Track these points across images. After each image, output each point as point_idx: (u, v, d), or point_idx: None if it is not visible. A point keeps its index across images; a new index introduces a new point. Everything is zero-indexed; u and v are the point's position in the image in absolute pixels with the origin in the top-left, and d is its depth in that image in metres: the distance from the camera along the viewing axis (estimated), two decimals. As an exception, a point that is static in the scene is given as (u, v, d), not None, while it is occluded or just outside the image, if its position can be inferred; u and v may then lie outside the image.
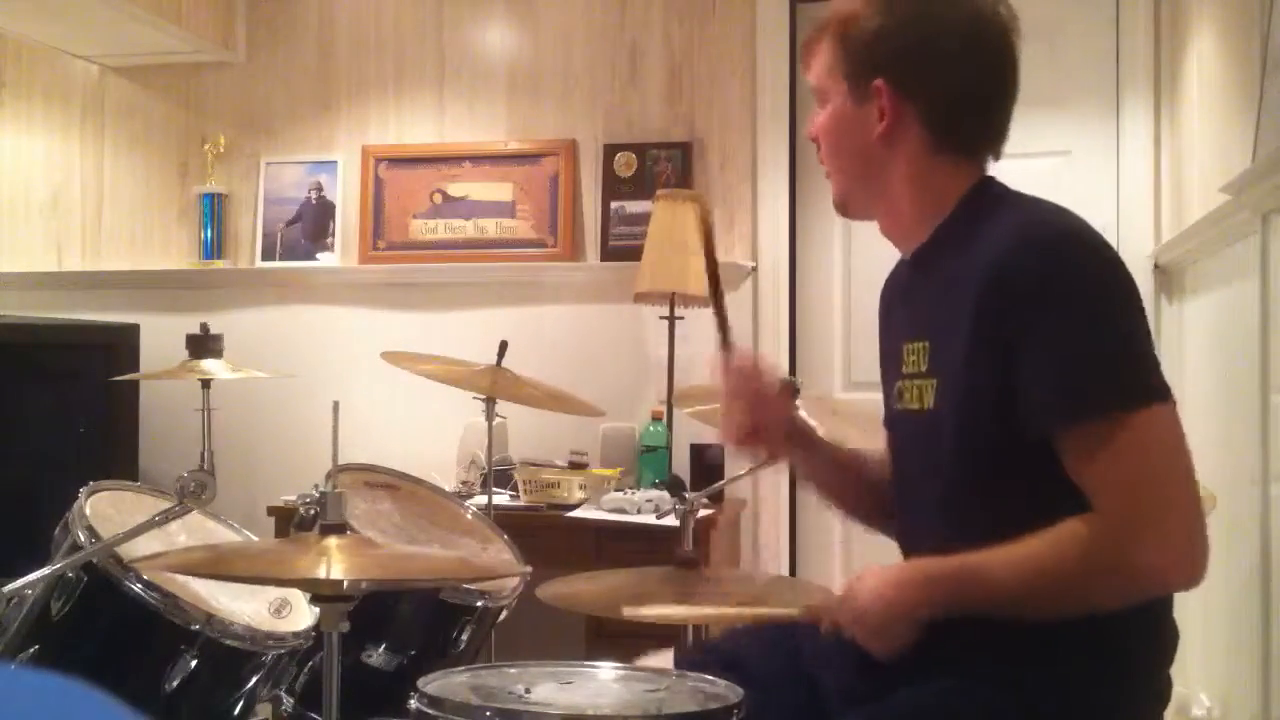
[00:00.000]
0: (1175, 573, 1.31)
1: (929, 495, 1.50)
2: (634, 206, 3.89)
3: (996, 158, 1.54)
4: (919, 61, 1.48)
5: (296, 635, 2.16)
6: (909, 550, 1.57)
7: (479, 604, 2.37)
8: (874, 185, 1.53)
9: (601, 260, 3.93)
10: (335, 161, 4.18)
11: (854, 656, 1.46)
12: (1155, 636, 1.44)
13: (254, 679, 2.14)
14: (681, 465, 3.64)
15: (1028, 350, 1.33)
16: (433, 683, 1.42)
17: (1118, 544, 1.29)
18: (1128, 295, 1.37)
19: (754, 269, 3.85)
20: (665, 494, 3.38)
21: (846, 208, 1.60)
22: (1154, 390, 1.32)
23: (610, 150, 3.95)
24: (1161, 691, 1.45)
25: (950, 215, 1.49)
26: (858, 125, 1.50)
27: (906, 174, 1.50)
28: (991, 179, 1.52)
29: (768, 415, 1.66)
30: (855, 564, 3.73)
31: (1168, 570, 1.30)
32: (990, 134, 1.52)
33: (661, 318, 3.67)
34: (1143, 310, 1.38)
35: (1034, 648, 1.37)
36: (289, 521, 2.96)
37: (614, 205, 3.93)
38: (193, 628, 2.03)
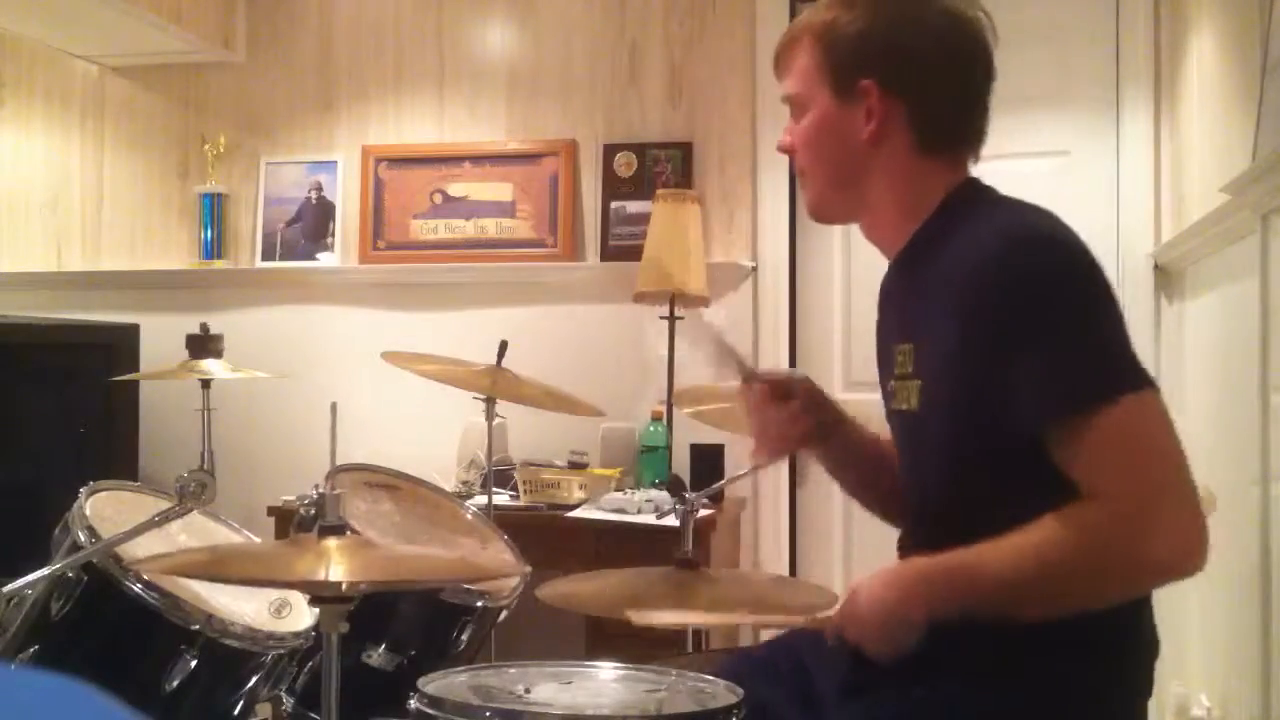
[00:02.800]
0: (1179, 560, 1.29)
1: (917, 494, 1.51)
2: (634, 206, 3.89)
3: (976, 159, 1.55)
4: (906, 61, 1.48)
5: (296, 635, 2.16)
6: (904, 547, 1.57)
7: (479, 604, 2.37)
8: (856, 190, 1.53)
9: (601, 260, 3.93)
10: (335, 161, 4.18)
11: (850, 651, 1.46)
12: (1144, 636, 1.45)
13: (254, 679, 2.14)
14: (681, 465, 3.64)
15: (1013, 351, 1.33)
16: (433, 683, 1.42)
17: (1114, 532, 1.28)
18: (1103, 290, 1.37)
19: (754, 269, 3.85)
20: (665, 494, 3.38)
21: (823, 214, 1.61)
22: (1134, 379, 1.32)
23: (610, 150, 3.95)
24: (1148, 689, 1.46)
25: (931, 216, 1.50)
26: (843, 127, 1.51)
27: (891, 176, 1.51)
28: (972, 179, 1.53)
29: (797, 429, 1.66)
30: (855, 564, 3.73)
31: (1166, 558, 1.29)
32: (972, 135, 1.53)
33: (661, 318, 3.67)
34: (1117, 305, 1.38)
35: (1027, 646, 1.37)
36: (289, 522, 2.96)
37: (614, 205, 3.93)
38: (193, 628, 2.03)
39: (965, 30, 1.49)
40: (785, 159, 4.04)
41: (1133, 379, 1.32)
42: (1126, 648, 1.42)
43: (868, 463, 1.72)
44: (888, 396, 1.55)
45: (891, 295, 1.61)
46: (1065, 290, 1.35)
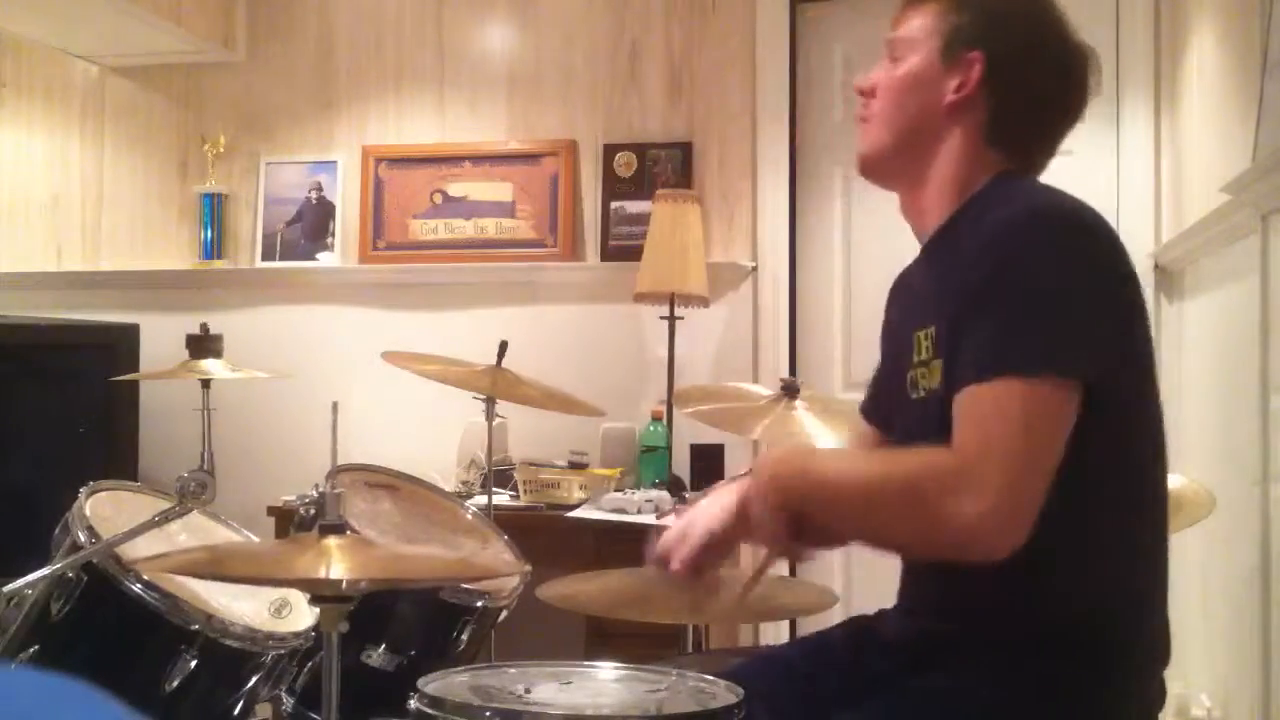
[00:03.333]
0: (981, 533, 1.27)
1: None
2: (634, 206, 3.89)
3: (1034, 170, 1.56)
4: (1018, 56, 1.51)
5: (296, 635, 2.16)
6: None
7: (479, 604, 2.37)
8: (918, 150, 1.53)
9: (601, 260, 3.93)
10: (335, 161, 4.18)
11: (849, 655, 1.46)
12: (1149, 638, 1.44)
13: (254, 679, 2.14)
14: (681, 465, 3.64)
15: (973, 311, 1.34)
16: (433, 683, 1.42)
17: (942, 480, 1.28)
18: (1088, 276, 1.36)
19: (754, 269, 3.85)
20: (665, 494, 3.38)
21: (874, 166, 1.59)
22: (1052, 367, 1.30)
23: (610, 150, 3.95)
24: (1157, 694, 1.45)
25: (969, 202, 1.50)
26: (935, 85, 1.52)
27: (953, 151, 1.51)
28: (1012, 171, 1.53)
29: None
30: (855, 564, 3.73)
31: (973, 528, 1.27)
32: (1042, 152, 1.57)
33: (661, 318, 3.67)
34: (1109, 295, 1.37)
35: (1029, 645, 1.37)
36: (289, 522, 2.96)
37: (614, 205, 3.93)
38: (193, 628, 2.03)
39: (1080, 61, 1.54)
40: (785, 158, 4.07)
41: (1046, 363, 1.30)
42: (1127, 651, 1.41)
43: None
44: (909, 387, 1.53)
45: (914, 285, 1.61)
46: (1037, 254, 1.34)
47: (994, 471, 1.27)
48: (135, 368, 3.87)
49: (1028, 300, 1.33)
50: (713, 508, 1.52)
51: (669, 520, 3.18)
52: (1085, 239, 1.37)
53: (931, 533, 1.32)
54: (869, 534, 1.45)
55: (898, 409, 1.57)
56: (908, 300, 1.63)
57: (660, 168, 3.90)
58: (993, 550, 1.27)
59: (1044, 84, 1.53)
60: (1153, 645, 1.44)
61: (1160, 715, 1.47)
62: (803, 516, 1.40)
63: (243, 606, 2.16)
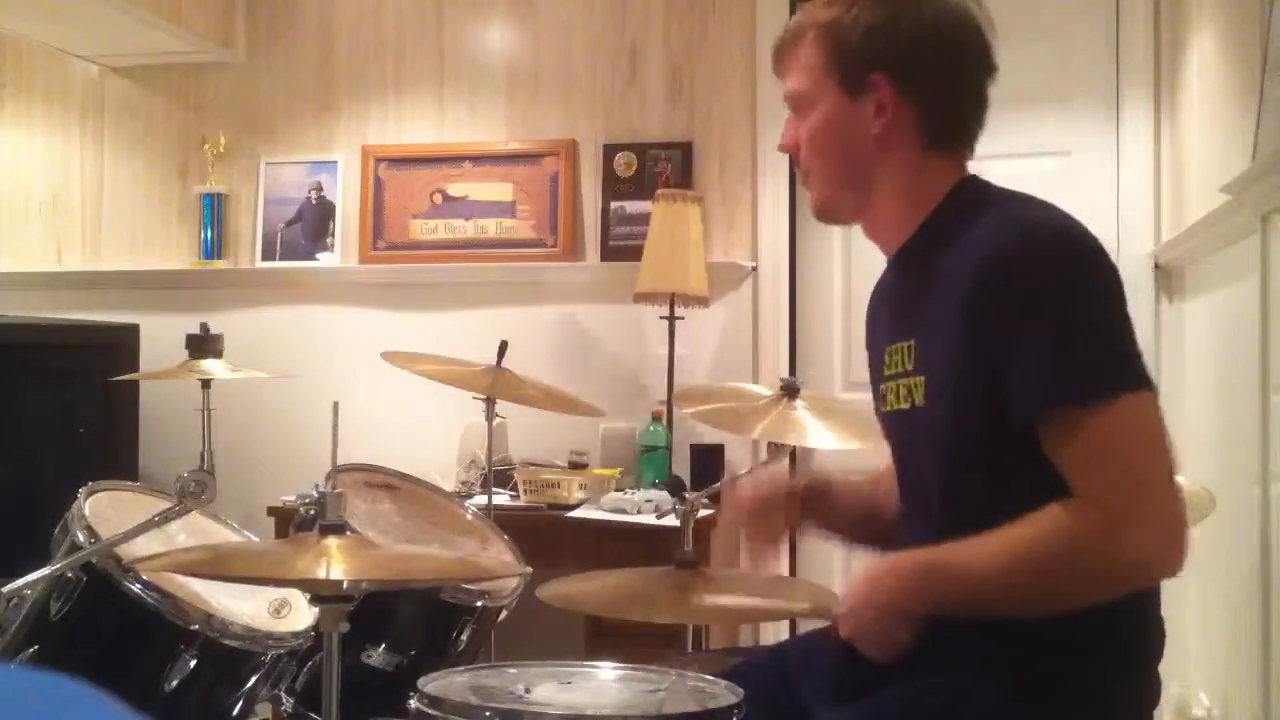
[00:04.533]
0: (1156, 562, 1.31)
1: (927, 492, 1.50)
2: (634, 206, 3.89)
3: (971, 155, 1.54)
4: (914, 55, 1.48)
5: (296, 635, 2.16)
6: (903, 546, 1.57)
7: (479, 604, 2.36)
8: (862, 187, 1.53)
9: (601, 260, 3.93)
10: (335, 161, 4.18)
11: (843, 652, 1.46)
12: (1146, 633, 1.44)
13: (254, 679, 2.14)
14: (681, 465, 3.64)
15: (1016, 339, 1.34)
16: (433, 683, 1.42)
17: (1100, 531, 1.29)
18: (1111, 286, 1.38)
19: (754, 269, 3.85)
20: (665, 494, 3.38)
21: (830, 213, 1.59)
22: (1134, 378, 1.32)
23: (610, 150, 3.95)
24: (1154, 689, 1.45)
25: (934, 212, 1.49)
26: (852, 123, 1.50)
27: (897, 173, 1.50)
28: (974, 176, 1.53)
29: (786, 527, 1.68)
30: (855, 564, 3.73)
31: (1150, 559, 1.30)
32: (974, 129, 1.53)
33: (661, 318, 3.67)
34: (1124, 301, 1.38)
35: (1027, 644, 1.37)
36: (289, 522, 2.96)
37: (614, 205, 3.93)
38: (192, 628, 2.02)
39: (964, 22, 1.49)
40: (785, 158, 4.05)
41: (1132, 378, 1.32)
42: (1125, 648, 1.42)
43: (860, 516, 1.73)
44: (878, 399, 1.54)
45: (887, 297, 1.61)
46: (1071, 282, 1.35)
47: (1143, 505, 1.29)
48: (135, 368, 3.87)
49: (1088, 317, 1.34)
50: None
51: (669, 520, 3.18)
52: (1096, 255, 1.39)
53: (1111, 582, 1.33)
54: (1024, 608, 1.37)
55: (879, 420, 1.59)
56: (881, 314, 1.63)
57: (660, 168, 3.90)
58: (1174, 569, 1.31)
59: (953, 64, 1.49)
60: (1149, 642, 1.45)
61: (1159, 714, 1.47)
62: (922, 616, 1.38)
63: (243, 606, 2.16)
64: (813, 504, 1.70)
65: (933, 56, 1.48)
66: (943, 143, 1.50)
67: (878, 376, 1.54)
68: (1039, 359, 1.33)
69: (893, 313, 1.56)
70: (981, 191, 1.50)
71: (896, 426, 1.53)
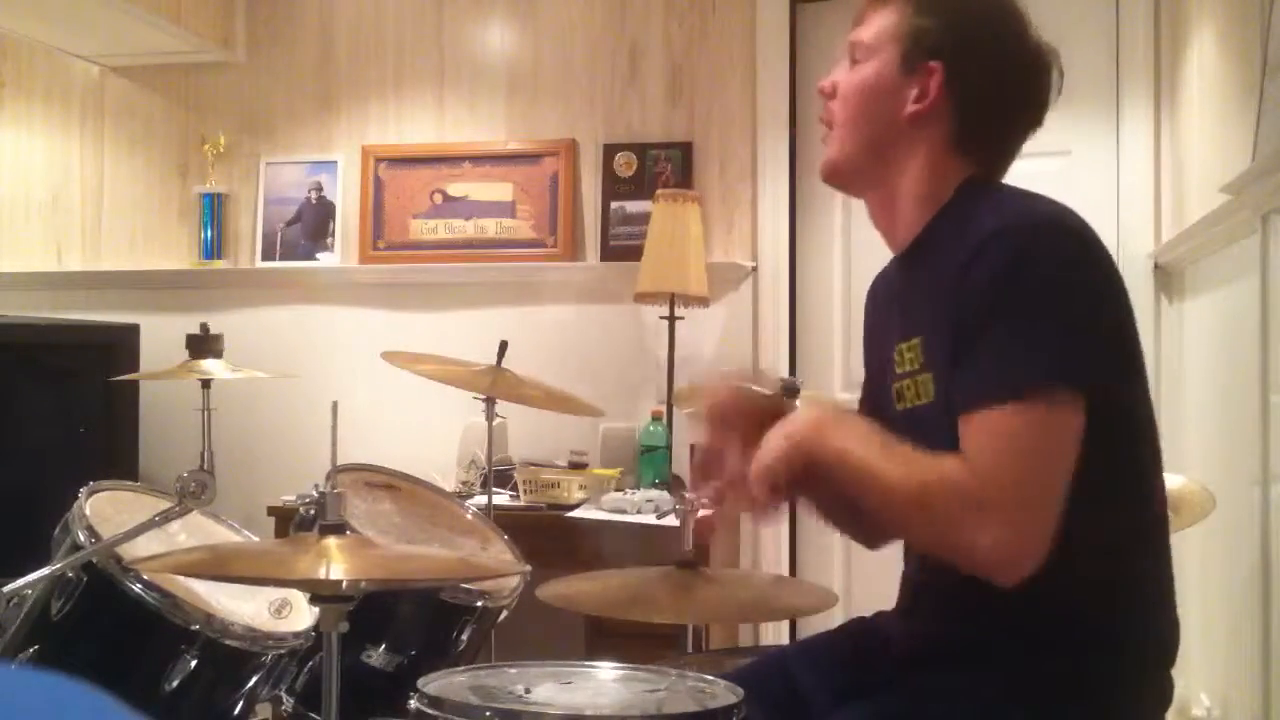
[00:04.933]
0: (994, 562, 1.29)
1: None
2: (634, 206, 3.89)
3: (999, 174, 1.55)
4: (978, 65, 1.49)
5: (296, 635, 2.16)
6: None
7: (479, 604, 2.36)
8: (882, 160, 1.52)
9: (601, 260, 3.93)
10: (335, 161, 4.18)
11: (849, 655, 1.46)
12: (1157, 635, 1.44)
13: (254, 679, 2.14)
14: (681, 465, 3.64)
15: (969, 335, 1.34)
16: (433, 683, 1.42)
17: (964, 501, 1.29)
18: (1085, 284, 1.36)
19: (754, 269, 3.85)
20: (665, 494, 3.38)
21: (838, 174, 1.58)
22: (1057, 384, 1.31)
23: (610, 150, 3.95)
24: (1163, 692, 1.45)
25: (941, 211, 1.49)
26: (893, 95, 1.50)
27: (918, 160, 1.50)
28: (973, 176, 1.52)
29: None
30: (855, 564, 3.73)
31: (990, 551, 1.29)
32: (1003, 158, 1.54)
33: (661, 318, 3.67)
34: (1104, 300, 1.37)
35: (1033, 642, 1.37)
36: (289, 521, 2.96)
37: (614, 205, 3.93)
38: (193, 628, 2.03)
39: (1040, 64, 1.52)
40: (786, 158, 4.06)
41: (1051, 383, 1.30)
42: (1133, 650, 1.41)
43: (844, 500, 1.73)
44: (893, 397, 1.53)
45: (891, 295, 1.60)
46: (1038, 273, 1.33)
47: (1007, 500, 1.28)
48: (135, 368, 3.87)
49: (1029, 316, 1.32)
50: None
51: (669, 520, 3.18)
52: (1077, 248, 1.37)
53: (945, 549, 1.34)
54: (876, 514, 1.42)
55: (886, 421, 1.57)
56: (886, 311, 1.62)
57: (660, 168, 3.90)
58: (1008, 576, 1.29)
59: (1007, 91, 1.51)
60: (1159, 644, 1.44)
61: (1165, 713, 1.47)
62: (807, 479, 1.40)
63: (243, 606, 2.16)
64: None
65: (994, 75, 1.50)
66: (968, 152, 1.50)
67: (888, 375, 1.53)
68: (977, 353, 1.33)
69: (901, 310, 1.55)
70: (982, 189, 1.49)
71: (910, 425, 1.52)
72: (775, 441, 1.41)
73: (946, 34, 1.49)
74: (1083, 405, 1.31)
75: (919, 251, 1.51)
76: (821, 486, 1.43)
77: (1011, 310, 1.32)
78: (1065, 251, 1.36)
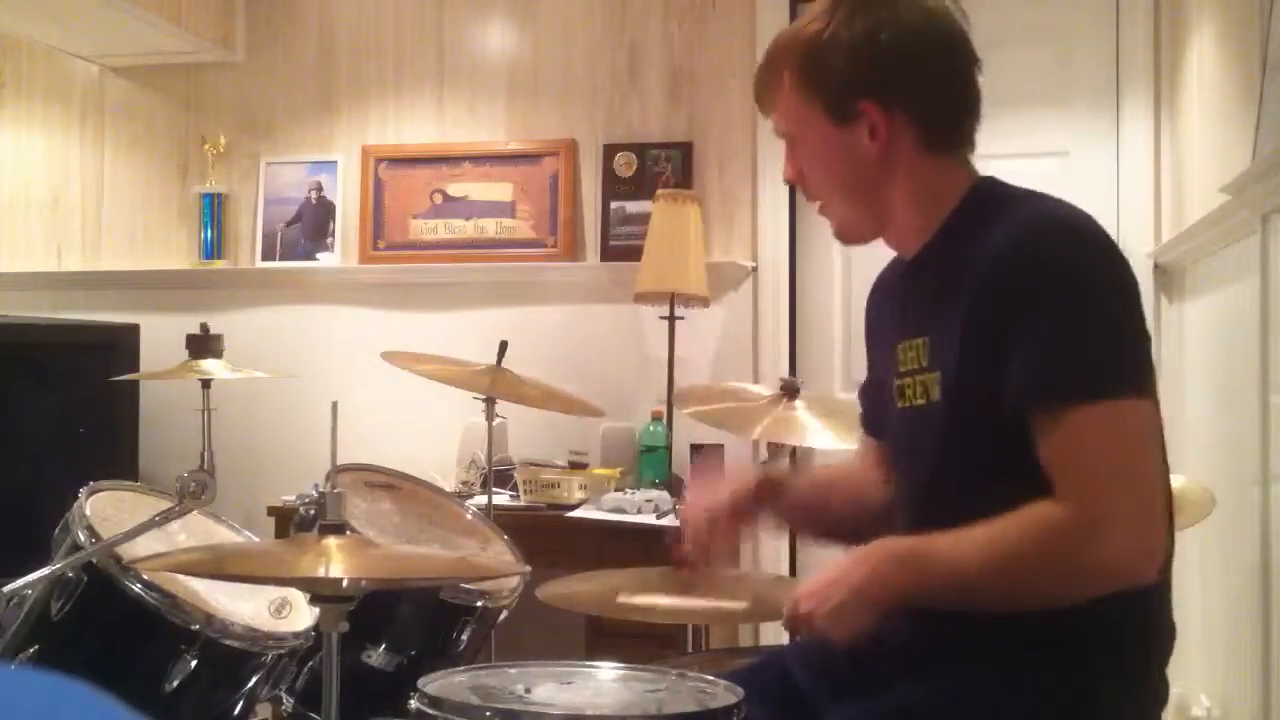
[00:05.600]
0: (1127, 567, 1.30)
1: (917, 488, 1.51)
2: (634, 206, 3.89)
3: (973, 149, 1.53)
4: (896, 70, 1.46)
5: (296, 635, 2.16)
6: None
7: (479, 604, 2.36)
8: (876, 206, 1.52)
9: (601, 260, 3.93)
10: (335, 161, 4.18)
11: (850, 655, 1.46)
12: (1153, 634, 1.44)
13: (254, 679, 2.14)
14: (681, 465, 3.64)
15: (1016, 335, 1.34)
16: (433, 683, 1.42)
17: (1077, 533, 1.28)
18: (1120, 287, 1.37)
19: (754, 269, 3.85)
20: (665, 494, 3.38)
21: (852, 235, 1.58)
22: (1129, 384, 1.32)
23: (610, 150, 3.95)
24: (1158, 691, 1.45)
25: (954, 213, 1.49)
26: (849, 149, 1.49)
27: (906, 184, 1.50)
28: (990, 177, 1.52)
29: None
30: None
31: (1119, 563, 1.29)
32: (972, 125, 1.52)
33: (661, 318, 3.67)
34: (1136, 304, 1.38)
35: (1034, 642, 1.37)
36: (289, 521, 2.96)
37: (614, 205, 3.93)
38: (193, 628, 2.03)
39: (939, 21, 1.48)
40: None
41: (1125, 383, 1.32)
42: (1134, 648, 1.41)
43: (811, 510, 1.76)
44: (894, 395, 1.54)
45: (895, 294, 1.60)
46: (1077, 279, 1.34)
47: (1114, 504, 1.28)
48: (135, 368, 3.87)
49: (1092, 318, 1.33)
50: (724, 496, 1.51)
51: (669, 520, 3.18)
52: (1110, 249, 1.38)
53: (1080, 584, 1.32)
54: (996, 603, 1.38)
55: (888, 418, 1.58)
56: (890, 311, 1.62)
57: (660, 168, 3.90)
58: (1145, 576, 1.30)
59: (935, 71, 1.48)
60: (1158, 643, 1.44)
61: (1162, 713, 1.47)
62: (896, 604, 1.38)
63: (243, 606, 2.16)
64: (765, 497, 1.71)
65: (918, 64, 1.47)
66: (942, 145, 1.50)
67: (890, 373, 1.54)
68: (1038, 352, 1.32)
69: (905, 310, 1.55)
70: (998, 191, 1.49)
71: (909, 422, 1.52)
72: (843, 581, 1.39)
73: (855, 66, 1.46)
74: (1152, 405, 1.33)
75: (930, 256, 1.51)
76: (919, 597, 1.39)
77: (1068, 317, 1.33)
78: (1100, 253, 1.37)
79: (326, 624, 1.53)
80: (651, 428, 3.63)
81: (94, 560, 2.01)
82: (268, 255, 4.20)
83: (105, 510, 2.20)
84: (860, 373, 1.75)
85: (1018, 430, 1.34)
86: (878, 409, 1.65)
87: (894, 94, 1.47)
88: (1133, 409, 1.31)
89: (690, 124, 3.91)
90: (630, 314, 3.83)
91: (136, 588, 2.01)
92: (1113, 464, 1.30)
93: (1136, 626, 1.41)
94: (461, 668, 1.53)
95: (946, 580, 1.35)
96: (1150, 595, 1.42)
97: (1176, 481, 2.26)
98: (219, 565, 1.72)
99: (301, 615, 2.20)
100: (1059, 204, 1.43)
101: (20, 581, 2.00)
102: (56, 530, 2.15)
